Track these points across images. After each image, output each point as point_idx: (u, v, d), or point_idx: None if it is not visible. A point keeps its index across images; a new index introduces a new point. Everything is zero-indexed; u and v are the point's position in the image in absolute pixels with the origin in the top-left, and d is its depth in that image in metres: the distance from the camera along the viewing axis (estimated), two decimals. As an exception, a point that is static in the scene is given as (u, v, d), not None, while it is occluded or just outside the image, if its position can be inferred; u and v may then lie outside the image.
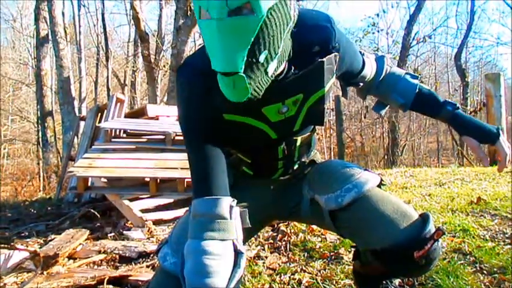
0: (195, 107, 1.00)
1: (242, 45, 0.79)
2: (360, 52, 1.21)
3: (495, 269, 1.58)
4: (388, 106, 1.37)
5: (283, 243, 2.13)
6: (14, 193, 10.01)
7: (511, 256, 1.65)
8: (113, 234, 2.75)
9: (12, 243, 2.53)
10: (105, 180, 3.15)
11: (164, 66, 9.74)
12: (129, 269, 2.09)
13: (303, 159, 1.24)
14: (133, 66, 14.69)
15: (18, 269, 2.11)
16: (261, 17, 0.78)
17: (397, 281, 1.37)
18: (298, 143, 1.16)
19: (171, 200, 3.40)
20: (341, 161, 1.30)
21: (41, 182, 10.51)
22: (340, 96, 6.29)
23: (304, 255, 1.97)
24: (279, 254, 2.03)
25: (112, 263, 2.22)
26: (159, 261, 1.05)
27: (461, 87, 11.94)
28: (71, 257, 2.32)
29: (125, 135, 3.81)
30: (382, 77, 1.28)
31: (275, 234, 2.28)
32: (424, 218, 1.03)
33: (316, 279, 1.68)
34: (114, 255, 2.27)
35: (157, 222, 2.91)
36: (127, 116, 4.64)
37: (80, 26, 12.12)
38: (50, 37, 9.30)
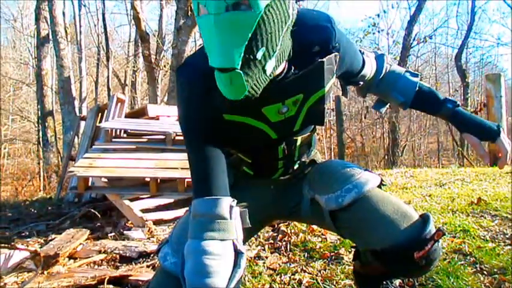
0: (195, 107, 1.00)
1: (239, 41, 0.79)
2: (360, 51, 1.21)
3: (495, 270, 1.58)
4: (388, 104, 1.37)
5: (284, 243, 2.14)
6: (15, 193, 10.02)
7: (511, 257, 1.65)
8: (113, 234, 2.75)
9: (12, 243, 2.53)
10: (106, 180, 3.16)
11: (165, 66, 9.75)
12: (129, 268, 2.09)
13: (303, 159, 1.24)
14: (133, 66, 14.70)
15: (19, 268, 2.11)
16: (259, 13, 0.78)
17: (397, 282, 1.37)
18: (298, 143, 1.16)
19: (172, 200, 3.40)
20: (341, 161, 1.30)
21: (42, 181, 10.51)
22: (340, 96, 6.29)
23: (304, 256, 1.97)
24: (279, 254, 2.03)
25: (112, 262, 2.23)
26: (160, 261, 1.05)
27: (462, 88, 11.93)
28: (71, 256, 2.32)
29: (125, 135, 3.82)
30: (382, 75, 1.28)
31: (275, 234, 2.28)
32: (424, 219, 1.03)
33: (317, 280, 1.68)
34: (114, 255, 2.27)
35: (157, 222, 2.92)
36: (127, 116, 4.64)
37: (80, 26, 12.12)
38: (50, 37, 9.30)
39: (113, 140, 3.56)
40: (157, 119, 4.34)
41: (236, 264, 0.93)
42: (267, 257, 2.00)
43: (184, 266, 0.93)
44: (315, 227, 2.19)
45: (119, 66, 16.79)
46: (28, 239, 2.86)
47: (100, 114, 4.89)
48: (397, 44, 12.21)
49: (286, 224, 2.32)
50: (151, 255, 2.24)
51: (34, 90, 13.65)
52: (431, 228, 1.00)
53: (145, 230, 2.75)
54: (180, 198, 3.33)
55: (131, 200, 3.08)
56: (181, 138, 3.14)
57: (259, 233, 2.22)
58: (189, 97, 1.01)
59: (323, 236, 2.14)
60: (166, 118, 4.37)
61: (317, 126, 1.23)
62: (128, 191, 3.14)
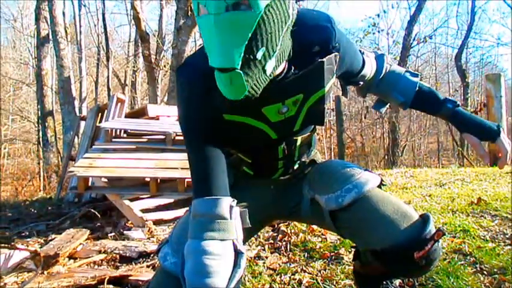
0: (195, 107, 1.00)
1: (239, 41, 0.79)
2: (360, 51, 1.21)
3: (495, 270, 1.58)
4: (388, 104, 1.37)
5: (284, 243, 2.14)
6: (15, 193, 10.02)
7: (511, 257, 1.65)
8: (113, 234, 2.75)
9: (12, 243, 2.53)
10: (106, 180, 3.16)
11: (165, 66, 9.75)
12: (129, 268, 2.09)
13: (303, 159, 1.24)
14: (133, 66, 14.70)
15: (19, 268, 2.11)
16: (259, 13, 0.78)
17: (397, 282, 1.37)
18: (298, 143, 1.16)
19: (172, 200, 3.41)
20: (341, 161, 1.30)
21: (42, 181, 10.51)
22: (340, 96, 6.29)
23: (304, 256, 1.97)
24: (279, 254, 2.03)
25: (112, 262, 2.23)
26: (160, 261, 1.05)
27: (462, 88, 11.93)
28: (71, 256, 2.32)
29: (125, 135, 3.82)
30: (382, 75, 1.28)
31: (275, 234, 2.28)
32: (424, 219, 1.03)
33: (317, 280, 1.68)
34: (114, 255, 2.27)
35: (157, 222, 2.92)
36: (127, 116, 4.64)
37: (80, 26, 12.12)
38: (50, 37, 9.30)
39: (113, 140, 3.57)
40: (157, 119, 4.34)
41: (236, 264, 0.93)
42: (267, 257, 2.00)
43: (184, 266, 0.93)
44: (315, 227, 2.19)
45: (119, 66, 16.79)
46: (28, 239, 2.86)
47: (100, 114, 4.89)
48: (397, 44, 12.22)
49: (286, 224, 2.32)
50: (151, 255, 2.24)
51: (34, 90, 13.65)
52: (431, 228, 1.00)
53: (145, 230, 2.75)
54: (180, 198, 3.33)
55: (131, 200, 3.08)
56: (182, 138, 3.14)
57: (259, 233, 2.22)
58: (189, 97, 1.01)
59: (323, 236, 2.14)
60: (166, 118, 4.37)
61: (317, 126, 1.23)
62: (128, 191, 3.14)
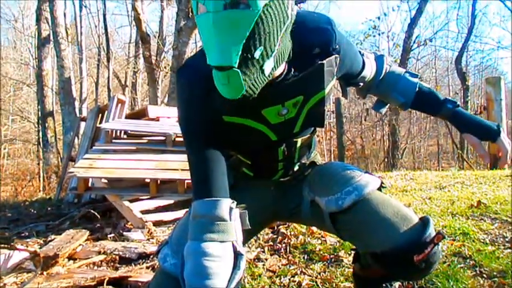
0: (195, 109, 1.00)
1: (237, 39, 0.79)
2: (360, 52, 1.21)
3: (495, 273, 1.58)
4: (388, 105, 1.37)
5: (283, 245, 2.13)
6: (14, 193, 10.01)
7: (511, 260, 1.65)
8: (112, 235, 2.75)
9: (12, 244, 2.53)
10: (106, 181, 3.16)
11: (165, 67, 9.76)
12: (129, 270, 2.09)
13: (303, 161, 1.24)
14: (134, 67, 14.71)
15: (18, 269, 2.11)
16: (257, 12, 0.78)
17: (397, 284, 1.37)
18: (298, 145, 1.16)
19: (171, 201, 3.40)
20: (341, 163, 1.30)
21: (41, 182, 10.50)
22: (340, 98, 6.30)
23: (304, 258, 1.97)
24: (279, 256, 2.03)
25: (112, 263, 2.22)
26: (159, 262, 1.05)
27: (462, 91, 11.93)
28: (70, 257, 2.32)
29: (125, 136, 3.82)
30: (382, 76, 1.28)
31: (275, 236, 2.27)
32: (424, 222, 1.03)
33: (316, 282, 1.68)
34: (114, 256, 2.27)
35: (157, 224, 2.92)
36: (128, 117, 4.64)
37: (81, 27, 12.15)
38: (51, 37, 9.31)
39: (113, 141, 3.57)
40: (158, 120, 4.35)
41: (236, 266, 0.93)
42: (266, 259, 2.00)
43: (184, 267, 0.93)
44: (314, 229, 2.19)
45: (119, 67, 16.80)
46: (28, 240, 2.86)
47: (100, 115, 4.90)
48: (398, 47, 12.21)
49: (285, 226, 2.32)
50: (151, 256, 2.24)
51: (34, 91, 13.66)
52: (431, 232, 1.00)
53: (145, 231, 2.75)
54: (180, 200, 3.33)
55: (131, 201, 3.08)
56: (182, 139, 3.14)
57: (258, 235, 2.22)
58: (189, 98, 1.01)
59: (323, 238, 2.14)
60: (167, 119, 4.37)
61: (317, 128, 1.23)
62: (127, 192, 3.14)
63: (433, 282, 1.53)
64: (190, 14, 6.89)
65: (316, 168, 1.26)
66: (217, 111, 1.00)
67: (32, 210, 4.41)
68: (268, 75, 0.88)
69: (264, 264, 1.93)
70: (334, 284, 1.65)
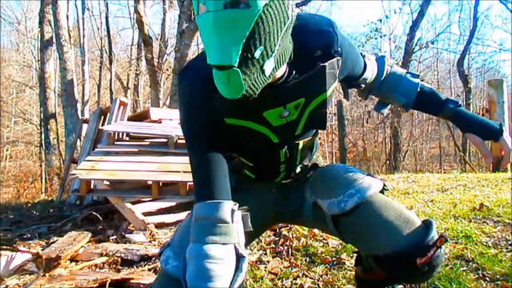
0: (196, 111, 1.01)
1: (237, 39, 0.79)
2: (361, 54, 1.21)
3: (498, 276, 1.58)
4: (390, 105, 1.37)
5: (285, 247, 2.13)
6: (16, 195, 10.02)
7: (513, 263, 1.65)
8: (114, 237, 2.75)
9: (14, 245, 2.53)
10: (108, 183, 3.16)
11: (167, 69, 9.76)
12: (131, 272, 2.09)
13: (305, 163, 1.24)
14: (136, 70, 14.74)
15: (21, 271, 2.11)
16: (257, 11, 0.78)
17: (399, 287, 1.37)
18: (300, 147, 1.16)
19: (173, 203, 3.40)
20: (344, 165, 1.30)
21: (43, 184, 10.51)
22: (342, 100, 6.29)
23: (306, 260, 1.97)
24: (281, 259, 2.03)
25: (114, 265, 2.22)
26: (161, 265, 1.05)
27: (464, 93, 11.92)
28: (73, 259, 2.32)
29: (127, 138, 3.83)
30: (383, 77, 1.28)
31: (277, 238, 2.27)
32: (427, 225, 1.03)
33: (318, 285, 1.68)
34: (116, 258, 2.27)
35: (159, 226, 2.91)
36: (130, 119, 4.65)
37: (84, 29, 12.20)
38: (54, 40, 9.34)
39: (115, 143, 3.57)
40: (160, 122, 4.35)
41: (238, 268, 0.93)
42: (268, 262, 2.00)
43: (186, 269, 0.93)
44: (316, 231, 2.19)
45: (121, 70, 16.86)
46: (30, 241, 2.86)
47: (102, 117, 4.91)
48: (399, 49, 12.23)
49: (287, 228, 2.32)
50: (153, 258, 2.23)
51: (37, 93, 13.73)
52: (434, 235, 1.00)
53: (147, 233, 2.75)
54: (182, 202, 3.33)
55: (133, 203, 3.09)
56: (184, 141, 3.14)
57: (260, 237, 2.22)
58: (190, 101, 1.01)
59: (325, 241, 2.14)
60: (169, 121, 4.38)
61: (319, 130, 1.23)
62: (129, 194, 3.15)
63: (436, 285, 1.53)
64: (193, 16, 6.91)
65: (318, 170, 1.26)
66: (218, 113, 1.00)
67: (34, 212, 4.41)
68: (269, 76, 0.87)
69: (266, 267, 1.93)
70: (336, 287, 1.65)
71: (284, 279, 1.78)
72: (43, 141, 11.11)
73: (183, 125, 1.05)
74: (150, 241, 2.62)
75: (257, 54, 0.82)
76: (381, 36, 11.87)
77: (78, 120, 7.38)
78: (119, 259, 2.26)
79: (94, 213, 3.33)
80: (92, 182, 3.20)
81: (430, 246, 0.98)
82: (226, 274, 0.91)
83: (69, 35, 9.40)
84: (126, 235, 2.72)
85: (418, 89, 1.25)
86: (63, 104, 9.20)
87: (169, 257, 1.04)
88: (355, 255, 1.40)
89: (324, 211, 1.13)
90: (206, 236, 0.93)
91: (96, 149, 3.54)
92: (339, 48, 1.02)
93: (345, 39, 1.06)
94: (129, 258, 2.26)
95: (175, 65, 7.17)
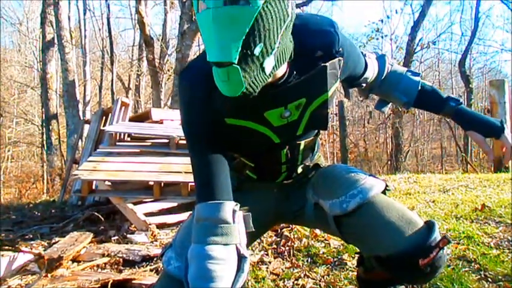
0: (197, 111, 1.00)
1: (236, 35, 0.79)
2: (362, 53, 1.21)
3: (500, 277, 1.57)
4: (391, 104, 1.37)
5: (287, 248, 2.13)
6: (18, 195, 10.05)
7: (516, 264, 1.64)
8: (116, 237, 2.75)
9: (16, 246, 2.54)
10: (109, 183, 3.16)
11: (168, 70, 9.78)
12: (132, 272, 2.09)
13: (306, 163, 1.24)
14: (137, 70, 14.75)
15: (23, 271, 2.11)
16: (257, 8, 0.78)
17: (401, 288, 1.37)
18: (301, 147, 1.16)
19: (175, 204, 3.41)
20: (345, 165, 1.30)
21: (45, 184, 10.53)
22: (343, 101, 6.29)
23: (307, 261, 1.97)
24: (283, 259, 2.03)
25: (116, 266, 2.23)
26: (163, 265, 1.05)
27: (466, 94, 11.89)
28: (75, 259, 2.32)
29: (129, 139, 3.83)
30: (384, 76, 1.28)
31: (278, 239, 2.27)
32: (429, 226, 1.03)
33: (320, 285, 1.68)
34: (117, 258, 2.27)
35: (161, 226, 2.92)
36: (131, 119, 4.66)
37: (85, 30, 12.20)
38: (55, 41, 9.37)
39: (117, 143, 3.58)
40: (161, 122, 4.35)
41: (239, 269, 0.93)
42: (270, 262, 2.00)
43: (188, 270, 0.93)
44: (318, 232, 2.19)
45: (123, 70, 16.87)
46: (32, 242, 2.87)
47: (104, 117, 4.92)
48: (401, 50, 12.20)
49: (289, 229, 2.32)
50: (155, 259, 2.24)
51: (39, 94, 13.75)
52: (437, 236, 1.00)
53: (148, 233, 2.75)
54: (184, 202, 3.33)
55: (135, 204, 3.09)
56: (185, 142, 3.14)
57: (262, 238, 2.22)
58: (191, 101, 1.01)
59: (326, 242, 2.14)
60: (170, 122, 4.38)
61: (320, 131, 1.23)
62: (131, 195, 3.15)
63: (438, 286, 1.53)
64: (194, 17, 6.91)
65: (320, 170, 1.26)
66: (219, 113, 1.00)
67: (36, 213, 4.42)
68: (269, 74, 0.87)
69: (267, 267, 1.93)
70: (337, 287, 1.65)
71: (286, 279, 1.78)
72: (45, 142, 11.12)
73: (184, 125, 1.05)
74: (152, 242, 2.63)
75: (257, 51, 0.81)
76: (382, 37, 11.88)
77: (80, 121, 7.40)
78: (121, 260, 2.27)
79: (96, 213, 3.34)
80: (94, 182, 3.21)
81: (433, 248, 0.98)
82: (228, 275, 0.91)
83: (71, 35, 9.43)
84: (128, 236, 2.73)
85: (419, 87, 1.25)
86: (64, 105, 9.23)
87: (171, 258, 1.04)
88: (357, 255, 1.40)
89: (325, 212, 1.12)
90: (208, 237, 0.93)
91: (97, 150, 3.55)
92: (341, 49, 1.02)
93: (346, 40, 1.06)
94: (131, 258, 2.27)
95: (177, 66, 7.19)
